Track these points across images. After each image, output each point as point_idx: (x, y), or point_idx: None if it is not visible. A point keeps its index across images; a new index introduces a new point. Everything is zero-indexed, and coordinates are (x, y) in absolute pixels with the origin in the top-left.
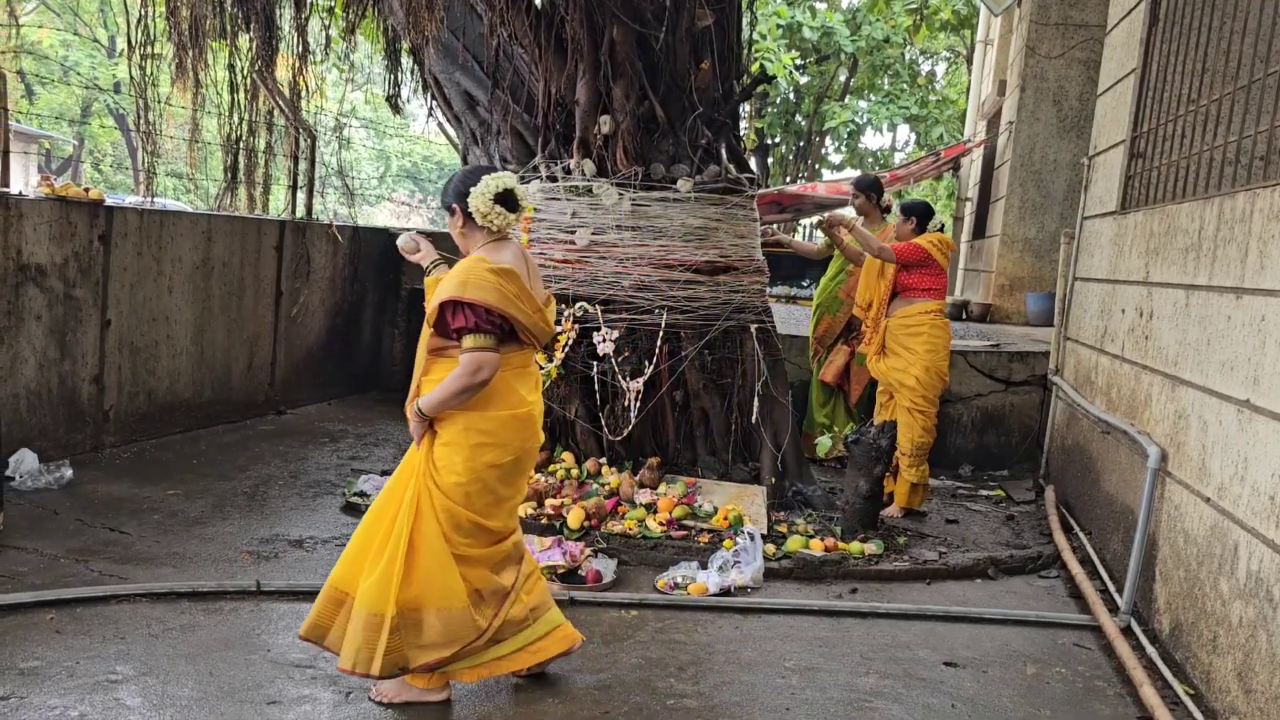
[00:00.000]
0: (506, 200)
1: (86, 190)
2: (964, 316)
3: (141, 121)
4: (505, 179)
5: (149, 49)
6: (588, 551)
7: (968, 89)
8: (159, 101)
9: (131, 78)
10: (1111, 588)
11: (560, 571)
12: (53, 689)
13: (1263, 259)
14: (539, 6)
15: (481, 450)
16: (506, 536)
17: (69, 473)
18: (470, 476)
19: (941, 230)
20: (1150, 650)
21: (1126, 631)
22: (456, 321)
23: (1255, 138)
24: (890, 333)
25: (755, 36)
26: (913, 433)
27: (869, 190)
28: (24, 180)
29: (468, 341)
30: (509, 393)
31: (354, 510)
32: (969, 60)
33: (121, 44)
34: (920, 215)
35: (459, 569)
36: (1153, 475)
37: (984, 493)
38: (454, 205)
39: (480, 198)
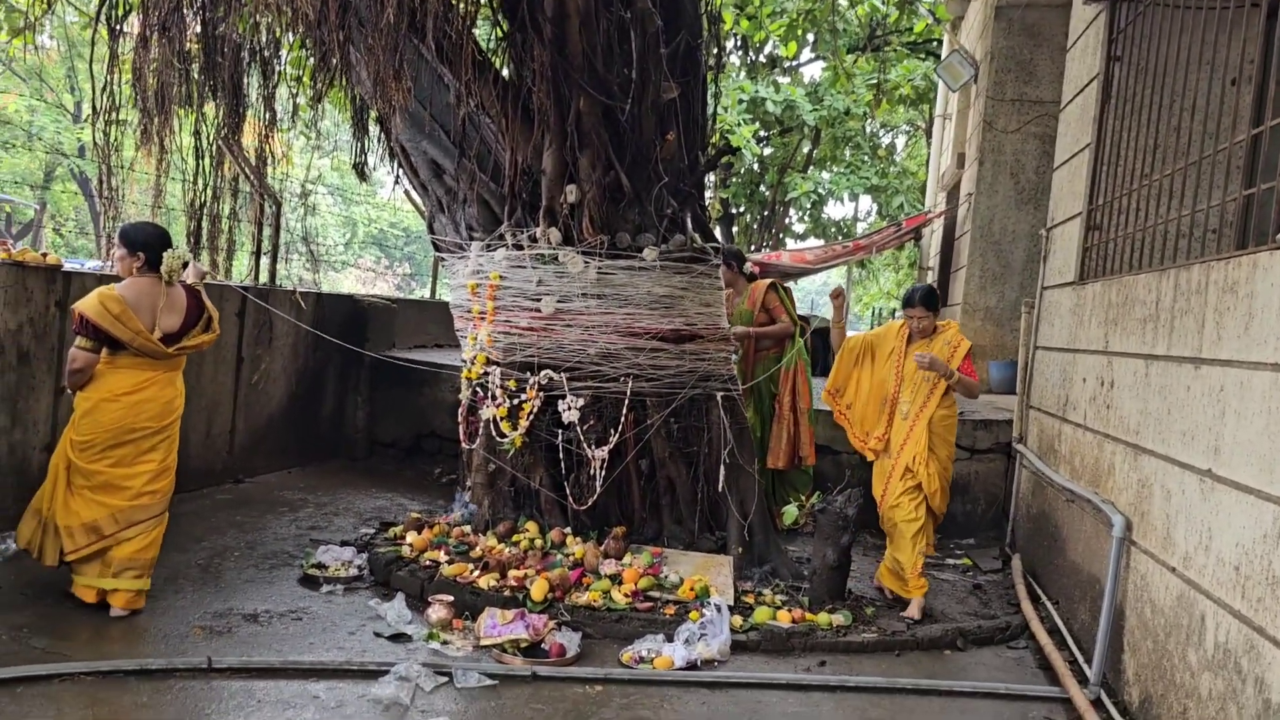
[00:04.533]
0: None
1: (44, 255)
2: None
3: (105, 186)
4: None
5: (114, 115)
6: (551, 624)
7: (927, 161)
8: (123, 167)
9: (95, 143)
10: (1080, 658)
11: (523, 645)
12: None
13: (1219, 330)
14: (506, 78)
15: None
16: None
17: (14, 545)
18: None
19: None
20: None
21: (1097, 704)
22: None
23: (1208, 212)
24: (936, 432)
25: (719, 109)
26: (926, 540)
27: (731, 259)
28: None
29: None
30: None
31: (311, 582)
32: (928, 133)
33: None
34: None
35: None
36: (1118, 544)
37: (951, 561)
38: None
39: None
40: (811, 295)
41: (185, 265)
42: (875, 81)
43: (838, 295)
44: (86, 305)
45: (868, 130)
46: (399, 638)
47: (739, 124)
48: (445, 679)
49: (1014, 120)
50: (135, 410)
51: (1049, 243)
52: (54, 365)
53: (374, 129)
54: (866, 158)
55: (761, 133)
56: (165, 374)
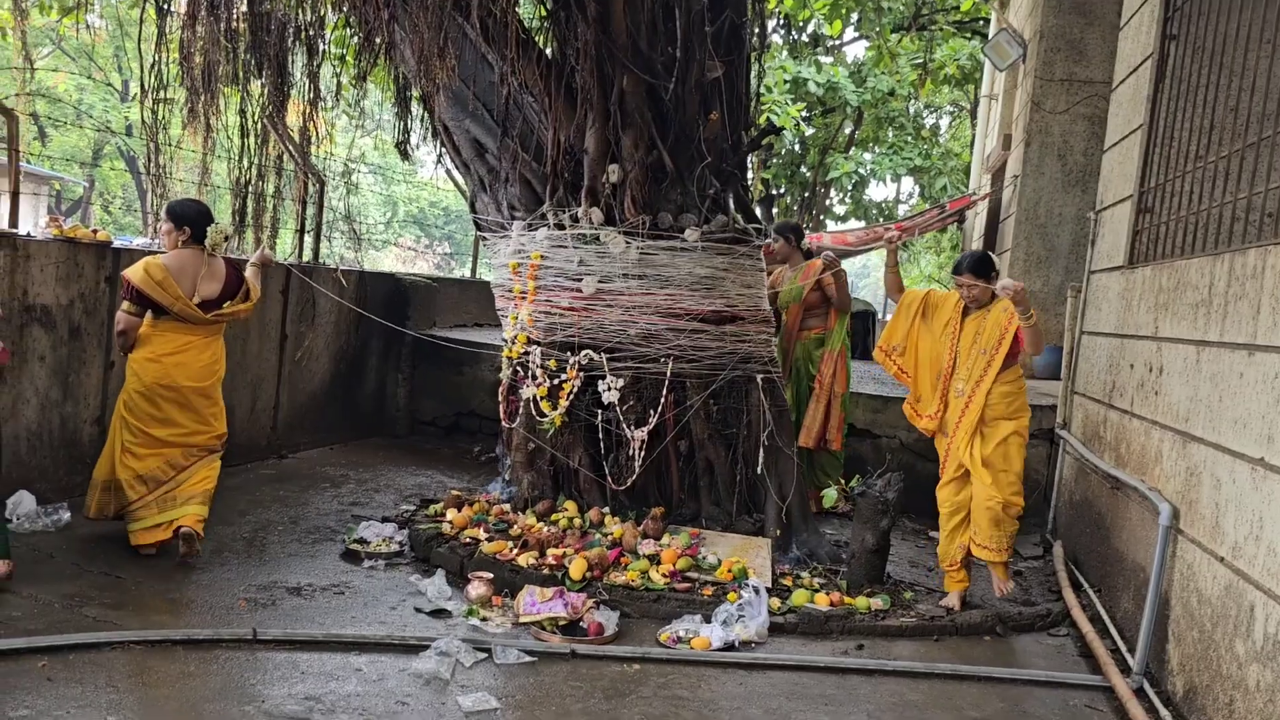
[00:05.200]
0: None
1: (95, 232)
2: None
3: (152, 164)
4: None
5: (162, 93)
6: (590, 603)
7: (972, 142)
8: (170, 145)
9: (143, 121)
10: (1123, 647)
11: (562, 623)
12: None
13: (1275, 316)
14: (550, 56)
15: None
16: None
17: (66, 515)
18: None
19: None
20: (1164, 713)
21: (1139, 693)
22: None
23: (1265, 194)
24: (995, 408)
25: (762, 90)
26: (1008, 529)
27: (789, 233)
28: (33, 221)
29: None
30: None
31: (353, 557)
32: (973, 114)
33: (135, 88)
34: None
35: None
36: (1164, 533)
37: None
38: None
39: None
40: (852, 277)
41: (227, 239)
42: (920, 61)
43: (890, 240)
44: (133, 272)
45: (911, 111)
46: (439, 613)
47: (785, 104)
48: (485, 655)
49: (1063, 101)
50: (176, 370)
51: (1097, 226)
52: (104, 340)
53: (417, 108)
54: (910, 139)
55: (803, 113)
56: (204, 339)
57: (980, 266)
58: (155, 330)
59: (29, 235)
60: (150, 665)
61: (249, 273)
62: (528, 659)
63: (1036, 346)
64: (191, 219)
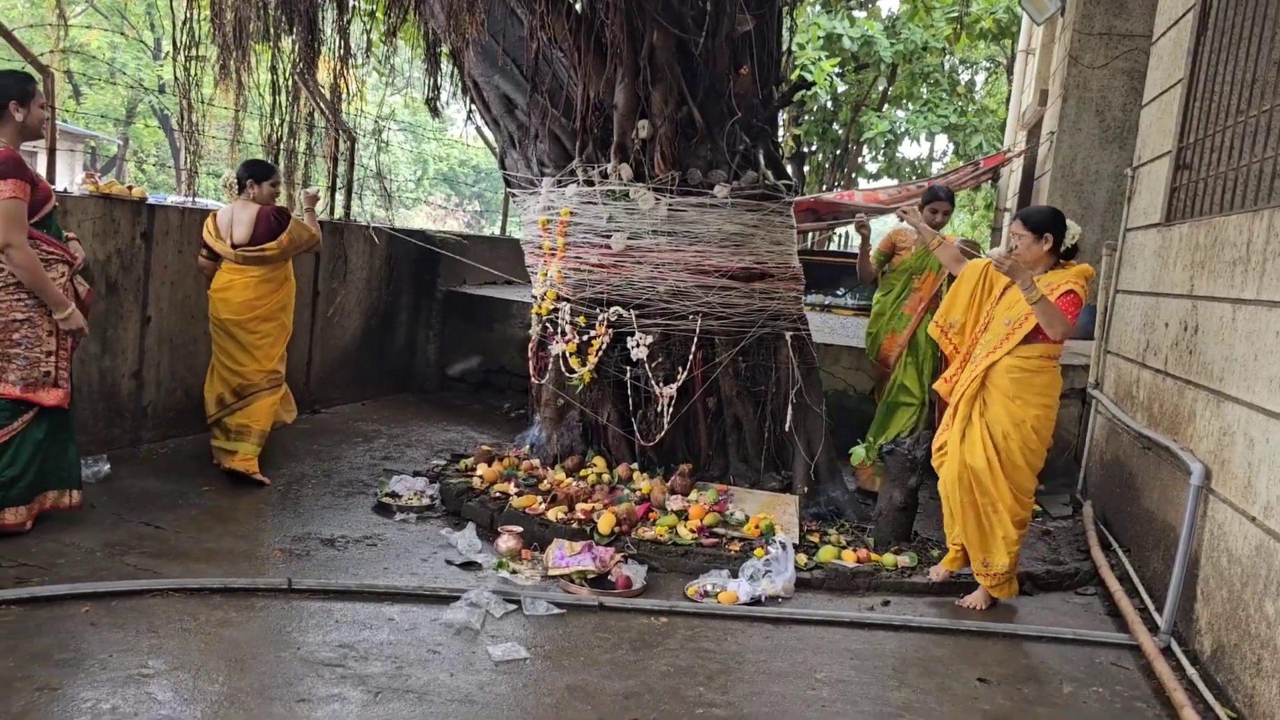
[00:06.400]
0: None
1: (130, 189)
2: None
3: (185, 122)
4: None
5: (193, 51)
6: (618, 557)
7: (1008, 98)
8: (202, 102)
9: (176, 79)
10: (1151, 606)
11: (590, 576)
12: (86, 682)
13: None
14: (579, 11)
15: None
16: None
17: (106, 467)
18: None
19: (1076, 250)
20: (1191, 671)
21: (1166, 652)
22: None
23: None
24: (997, 385)
25: (794, 46)
26: (1008, 531)
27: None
28: (69, 178)
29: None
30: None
31: (385, 510)
32: (1009, 70)
33: (167, 46)
34: (1055, 231)
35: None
36: (1196, 493)
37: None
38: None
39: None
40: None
41: (316, 199)
42: (955, 15)
43: (911, 211)
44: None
45: (946, 66)
46: (469, 566)
47: (818, 59)
48: (514, 606)
49: (1101, 55)
50: (220, 304)
51: (1134, 183)
52: (140, 295)
53: (447, 64)
54: (944, 95)
55: (836, 69)
56: (244, 278)
57: (1035, 218)
58: (219, 270)
59: (65, 191)
60: (189, 612)
61: (306, 218)
62: (556, 611)
63: (1050, 328)
64: (238, 176)
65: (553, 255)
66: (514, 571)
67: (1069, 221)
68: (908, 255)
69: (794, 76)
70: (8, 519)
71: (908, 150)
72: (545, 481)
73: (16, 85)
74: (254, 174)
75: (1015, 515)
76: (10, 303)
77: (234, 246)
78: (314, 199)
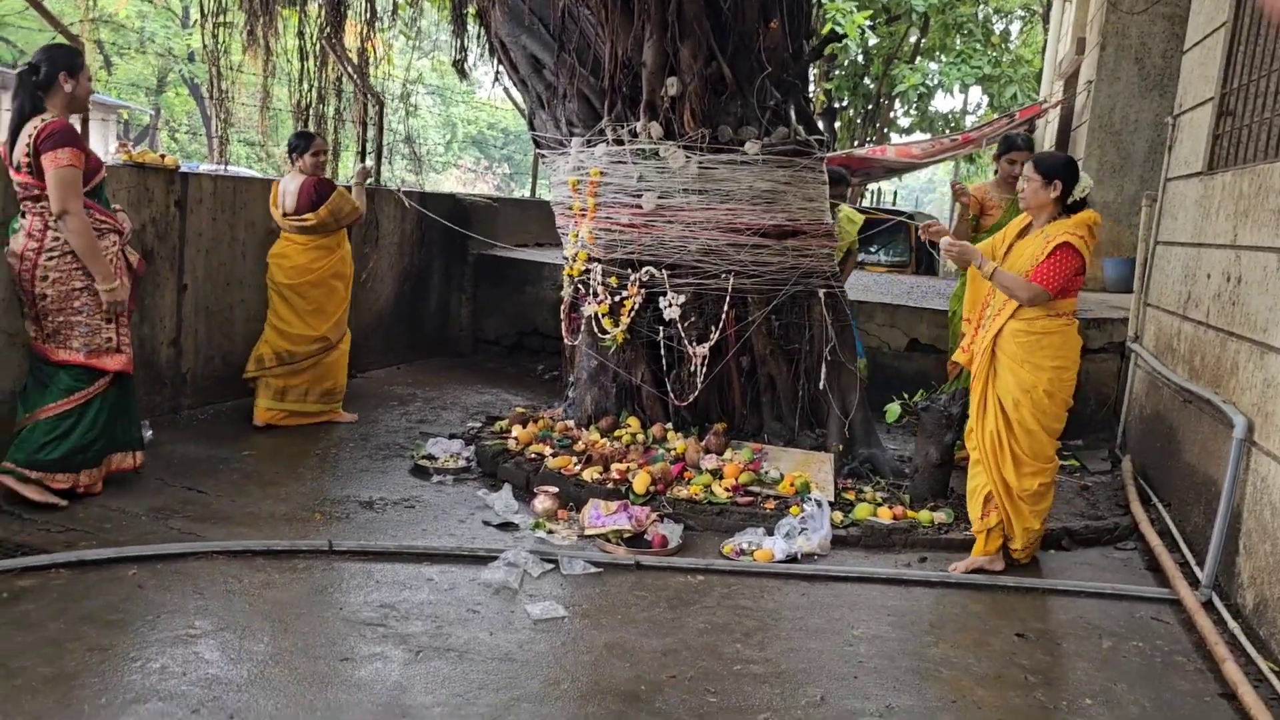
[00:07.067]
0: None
1: (163, 157)
2: None
3: (215, 90)
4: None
5: (221, 18)
6: (654, 516)
7: (1043, 48)
8: (231, 70)
9: (204, 46)
10: (1191, 561)
11: (626, 536)
12: (134, 642)
13: None
14: None
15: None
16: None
17: (149, 433)
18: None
19: (1084, 204)
20: (1233, 625)
21: (1208, 606)
22: None
23: None
24: (1007, 352)
25: None
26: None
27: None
28: (103, 148)
29: None
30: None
31: (422, 473)
32: (1045, 18)
33: (195, 14)
34: (1066, 179)
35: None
36: (1238, 446)
37: (1058, 463)
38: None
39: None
40: (916, 192)
41: (368, 175)
42: None
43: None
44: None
45: (980, 16)
46: (506, 526)
47: (849, 11)
48: (551, 566)
49: (1140, 0)
50: (275, 269)
51: (1175, 131)
52: (176, 263)
53: (473, 25)
54: (978, 45)
55: (868, 21)
56: (297, 246)
57: (1048, 162)
58: (279, 238)
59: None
60: (233, 574)
61: (354, 191)
62: (593, 570)
63: (1015, 298)
64: (290, 146)
65: (583, 216)
66: (550, 531)
67: (1082, 174)
68: (998, 213)
69: (824, 30)
70: (82, 480)
71: (941, 104)
72: (580, 442)
73: (66, 57)
74: (296, 146)
75: (1029, 489)
76: (70, 271)
77: (285, 216)
78: (365, 174)
